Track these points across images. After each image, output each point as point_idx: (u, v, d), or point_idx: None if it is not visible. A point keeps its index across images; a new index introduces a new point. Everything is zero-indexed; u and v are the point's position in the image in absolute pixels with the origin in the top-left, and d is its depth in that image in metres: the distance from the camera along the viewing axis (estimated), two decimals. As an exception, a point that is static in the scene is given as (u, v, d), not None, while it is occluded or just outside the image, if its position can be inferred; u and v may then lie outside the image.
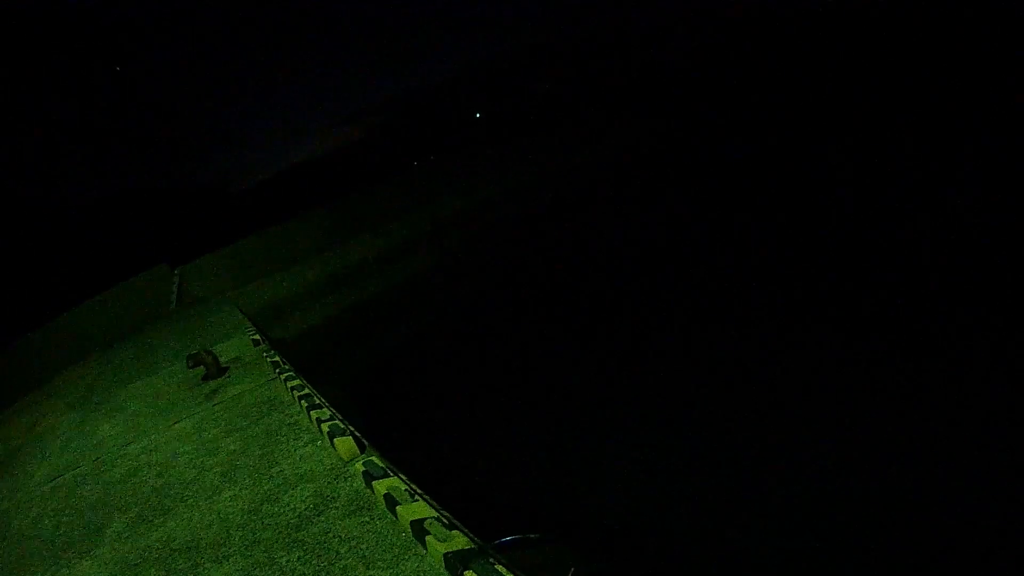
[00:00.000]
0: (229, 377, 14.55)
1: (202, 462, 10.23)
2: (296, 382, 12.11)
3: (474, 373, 18.96)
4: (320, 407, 10.45)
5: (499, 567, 5.41)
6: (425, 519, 6.27)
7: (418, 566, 5.85)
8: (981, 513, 8.88)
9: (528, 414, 15.42)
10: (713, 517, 10.44)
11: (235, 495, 8.55)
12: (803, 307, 16.51)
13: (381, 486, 7.17)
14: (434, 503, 6.76)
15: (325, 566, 6.24)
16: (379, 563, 6.01)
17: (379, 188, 47.59)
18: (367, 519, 6.83)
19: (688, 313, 17.86)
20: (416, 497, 6.87)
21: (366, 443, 8.95)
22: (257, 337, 17.30)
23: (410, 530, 6.30)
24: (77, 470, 12.21)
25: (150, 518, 8.86)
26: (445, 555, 5.68)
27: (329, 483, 7.93)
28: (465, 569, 5.47)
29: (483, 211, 39.12)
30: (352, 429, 9.22)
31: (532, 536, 8.57)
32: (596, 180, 43.07)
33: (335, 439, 8.75)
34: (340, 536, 6.64)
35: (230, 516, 7.98)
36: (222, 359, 15.72)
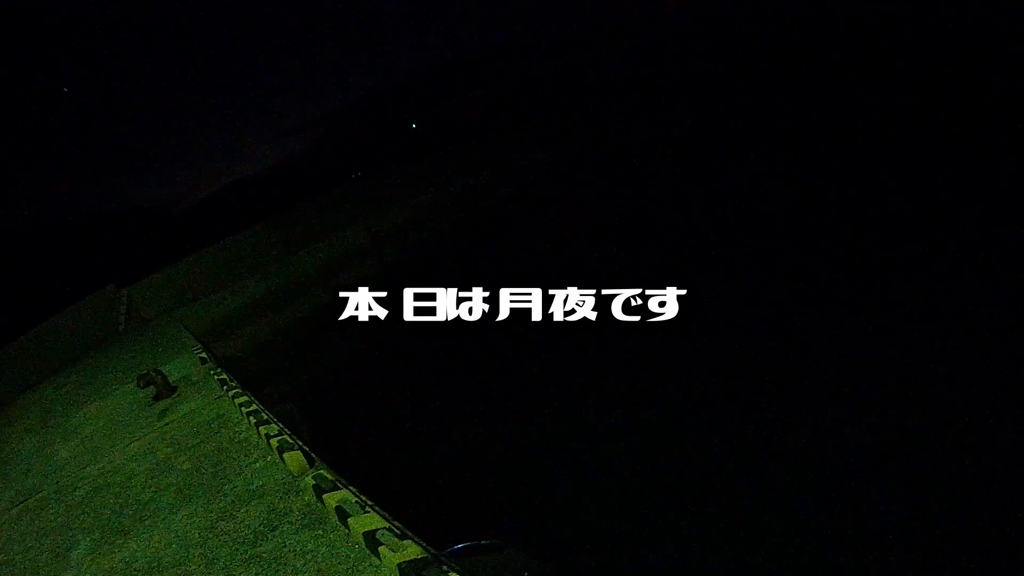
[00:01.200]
0: (179, 396, 14.84)
1: (157, 482, 10.59)
2: (244, 399, 12.47)
3: (420, 383, 19.23)
4: (268, 423, 10.81)
5: (453, 575, 5.80)
6: (377, 530, 6.67)
7: (373, 577, 6.30)
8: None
9: (477, 420, 15.75)
10: (667, 520, 10.84)
11: (191, 513, 8.97)
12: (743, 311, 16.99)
13: (332, 499, 7.59)
14: (385, 514, 7.15)
15: (282, 580, 6.68)
16: (335, 575, 6.43)
17: (317, 201, 47.58)
18: (320, 532, 7.27)
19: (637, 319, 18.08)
20: (367, 508, 7.27)
21: (315, 457, 9.34)
22: (204, 355, 17.52)
23: (363, 541, 6.71)
24: (40, 494, 12.48)
25: (112, 539, 9.24)
26: (399, 565, 6.01)
27: (281, 498, 8.37)
28: (420, 579, 5.87)
29: (422, 222, 39.35)
30: (300, 443, 9.61)
31: (485, 542, 8.87)
32: (534, 187, 43.17)
33: (284, 454, 9.16)
34: (295, 550, 7.07)
35: (188, 535, 8.40)
36: (171, 378, 15.97)
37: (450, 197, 42.40)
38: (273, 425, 10.71)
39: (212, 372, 15.61)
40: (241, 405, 12.12)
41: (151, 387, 15.32)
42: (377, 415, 18.04)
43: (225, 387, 13.90)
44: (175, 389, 15.40)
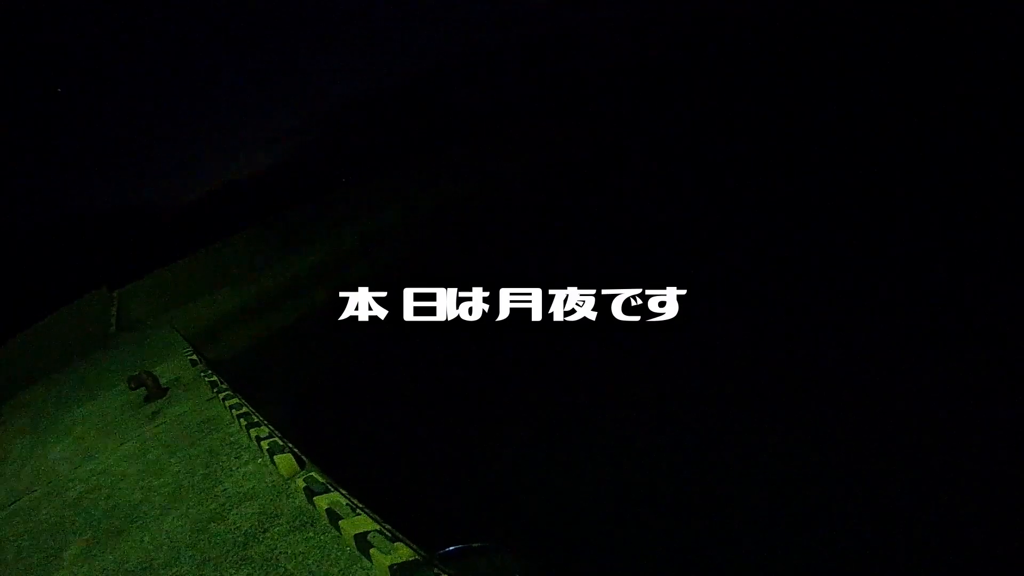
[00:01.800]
0: (170, 398, 14.75)
1: (149, 483, 10.51)
2: (234, 401, 12.37)
3: (416, 383, 19.07)
4: (259, 425, 10.71)
5: None
6: (368, 532, 6.56)
7: (365, 579, 6.15)
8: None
9: (472, 422, 15.61)
10: (660, 522, 10.72)
11: (182, 515, 8.88)
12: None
13: (323, 501, 7.49)
14: (376, 516, 7.04)
15: (274, 582, 6.55)
16: (326, 577, 6.31)
17: (310, 204, 47.70)
18: (311, 534, 7.16)
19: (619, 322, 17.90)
20: (358, 511, 7.16)
21: (306, 459, 9.22)
22: (194, 357, 17.45)
23: (354, 544, 6.60)
24: (33, 495, 12.41)
25: (104, 540, 9.15)
26: (391, 567, 5.92)
27: (272, 500, 8.27)
28: (412, 581, 5.73)
29: (413, 226, 39.30)
30: (291, 446, 9.51)
31: (475, 545, 8.76)
32: (525, 190, 42.93)
33: (275, 456, 9.06)
34: (286, 552, 6.96)
35: (179, 536, 8.30)
36: (162, 380, 15.88)
37: (446, 198, 42.32)
38: (263, 427, 10.61)
39: (203, 374, 15.53)
40: (232, 407, 12.03)
41: (142, 389, 15.25)
42: (369, 416, 17.87)
43: (216, 389, 13.81)
44: (166, 391, 15.30)
